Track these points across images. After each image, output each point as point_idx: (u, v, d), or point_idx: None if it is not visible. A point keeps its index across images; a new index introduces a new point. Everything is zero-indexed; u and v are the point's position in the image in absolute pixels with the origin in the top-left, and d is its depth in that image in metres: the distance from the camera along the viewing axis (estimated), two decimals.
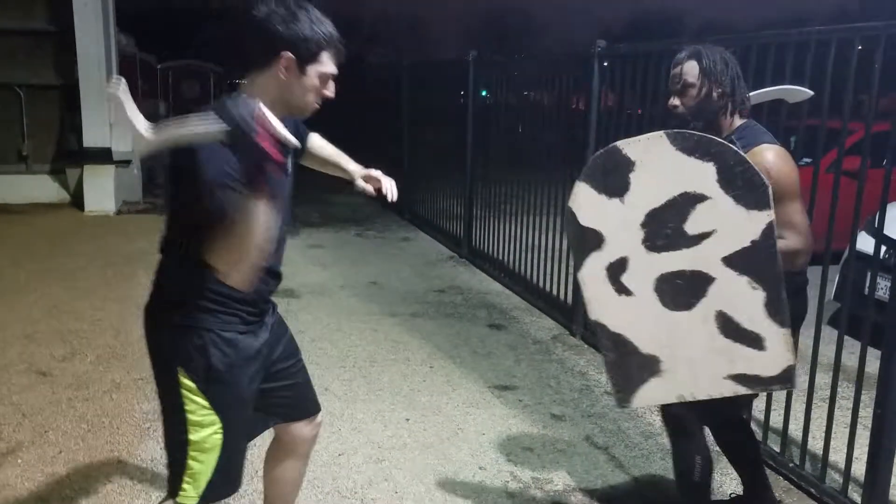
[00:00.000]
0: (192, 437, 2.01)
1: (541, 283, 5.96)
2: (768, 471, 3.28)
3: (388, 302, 6.06)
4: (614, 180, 2.20)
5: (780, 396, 3.41)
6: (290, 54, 1.86)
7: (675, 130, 2.19)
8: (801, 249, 2.39)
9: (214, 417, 2.01)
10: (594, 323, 2.34)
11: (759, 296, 2.14)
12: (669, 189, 2.16)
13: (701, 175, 2.10)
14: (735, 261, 2.12)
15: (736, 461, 2.93)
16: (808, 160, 4.32)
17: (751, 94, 2.77)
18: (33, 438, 3.54)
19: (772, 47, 3.28)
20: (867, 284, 3.25)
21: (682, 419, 2.62)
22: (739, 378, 2.24)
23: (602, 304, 2.31)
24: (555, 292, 5.69)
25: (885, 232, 3.04)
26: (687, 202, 2.14)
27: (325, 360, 4.66)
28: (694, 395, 2.31)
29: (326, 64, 1.92)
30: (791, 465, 3.34)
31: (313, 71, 1.90)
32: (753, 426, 3.55)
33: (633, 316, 2.29)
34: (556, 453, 3.56)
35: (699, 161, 2.10)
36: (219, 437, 2.03)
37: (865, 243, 3.66)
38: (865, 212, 3.23)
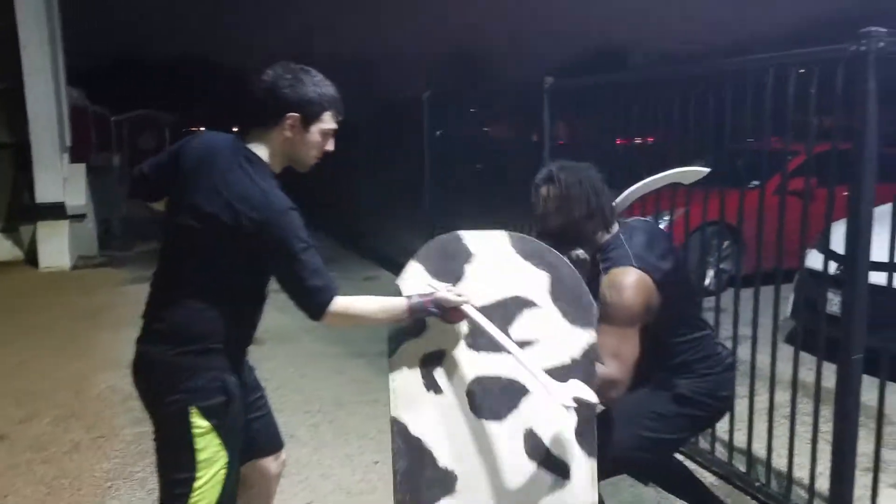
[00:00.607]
0: (200, 474, 2.05)
1: None
2: (736, 491, 3.32)
3: (353, 343, 6.01)
4: (448, 267, 2.15)
5: (742, 415, 3.45)
6: (295, 114, 2.05)
7: (518, 234, 2.18)
8: (617, 379, 2.26)
9: (223, 453, 2.07)
10: (392, 419, 2.18)
11: (571, 419, 2.05)
12: (502, 289, 2.11)
13: (534, 282, 2.09)
14: (553, 376, 2.01)
15: (676, 493, 2.97)
16: (756, 182, 4.43)
17: (646, 180, 2.82)
18: None
19: (712, 77, 3.40)
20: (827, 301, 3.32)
21: (634, 462, 2.62)
22: None
23: (407, 399, 2.18)
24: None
25: (833, 248, 3.12)
26: (516, 306, 2.09)
27: (291, 406, 4.60)
28: None
29: (328, 122, 2.12)
30: (757, 483, 3.36)
31: (316, 129, 2.10)
32: (718, 446, 3.59)
33: (438, 419, 2.15)
34: None
35: (535, 268, 2.09)
36: (223, 472, 2.09)
37: (817, 261, 3.75)
38: (815, 230, 3.32)
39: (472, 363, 2.13)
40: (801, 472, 3.24)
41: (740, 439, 3.52)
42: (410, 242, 8.37)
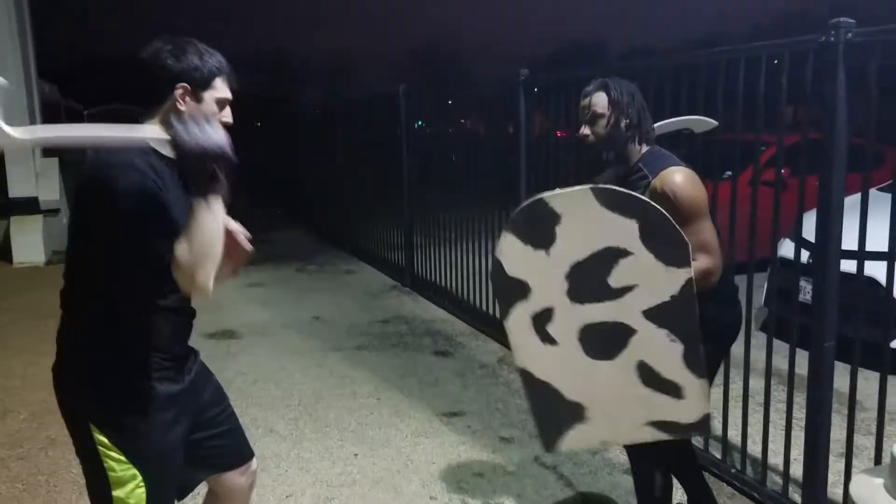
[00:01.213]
0: (116, 493, 1.96)
1: (484, 308, 6.00)
2: (712, 478, 3.36)
3: (332, 337, 6.01)
4: (540, 232, 2.22)
5: (717, 403, 3.49)
6: (185, 84, 1.91)
7: (601, 186, 2.21)
8: (712, 268, 2.43)
9: (134, 471, 1.96)
10: (519, 370, 2.36)
11: (678, 348, 2.19)
12: (594, 243, 2.18)
13: (624, 231, 2.13)
14: (654, 314, 2.16)
15: (677, 473, 2.99)
16: (729, 173, 4.48)
17: (656, 124, 2.88)
18: None
19: (684, 69, 3.43)
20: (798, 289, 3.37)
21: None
22: (659, 425, 2.30)
23: (528, 353, 2.34)
24: (498, 315, 5.73)
25: (805, 237, 3.16)
26: (610, 256, 2.16)
27: (269, 400, 4.60)
28: (616, 441, 2.40)
29: (221, 90, 1.98)
30: (733, 470, 3.41)
31: (210, 97, 1.96)
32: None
33: (558, 364, 2.32)
34: (506, 476, 3.57)
35: (622, 217, 2.13)
36: (142, 490, 1.97)
37: (789, 250, 3.81)
38: (788, 219, 3.37)
39: (577, 314, 2.25)
40: (775, 459, 3.29)
41: (715, 427, 3.56)
42: (389, 236, 8.39)
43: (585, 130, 2.62)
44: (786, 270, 3.87)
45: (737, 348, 3.37)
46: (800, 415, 3.14)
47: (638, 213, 2.13)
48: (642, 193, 2.34)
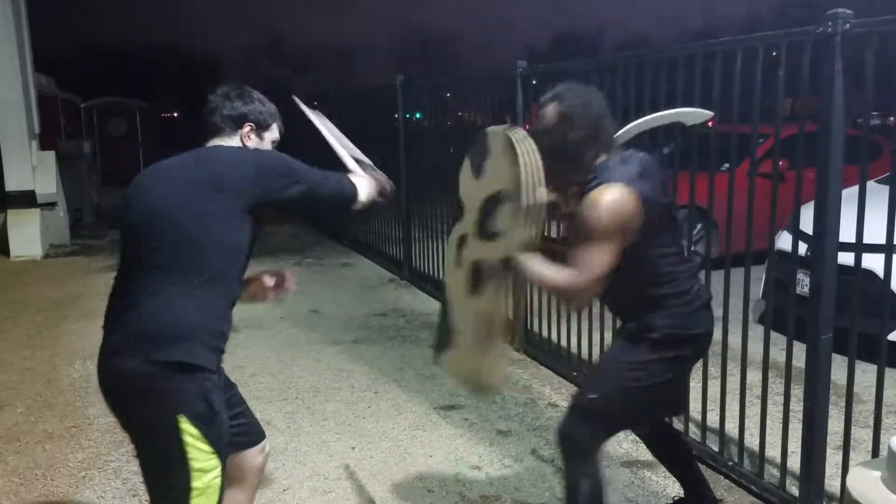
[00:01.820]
0: (196, 483, 2.01)
1: None
2: (710, 470, 3.36)
3: (330, 330, 6.01)
4: (479, 161, 2.49)
5: (715, 396, 3.49)
6: (251, 123, 2.29)
7: (513, 130, 2.33)
8: (575, 288, 2.33)
9: (216, 461, 2.04)
10: (443, 281, 2.71)
11: (501, 302, 2.42)
12: (496, 183, 2.39)
13: (511, 176, 2.29)
14: (505, 264, 2.36)
15: (667, 464, 2.99)
16: (726, 165, 4.47)
17: (647, 117, 2.84)
18: None
19: (680, 60, 3.41)
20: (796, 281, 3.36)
21: (570, 438, 2.58)
22: (472, 373, 2.59)
23: (449, 270, 2.70)
24: None
25: (803, 229, 3.15)
26: (498, 199, 2.38)
27: (267, 393, 4.59)
28: (452, 376, 2.82)
29: (275, 132, 2.38)
30: (730, 463, 3.41)
31: (268, 137, 2.35)
32: (692, 427, 3.64)
33: (456, 288, 2.62)
34: (503, 469, 3.57)
35: (513, 165, 2.29)
36: (218, 480, 2.06)
37: (787, 242, 3.79)
38: (785, 212, 3.36)
39: (473, 247, 2.52)
40: (773, 451, 3.29)
41: (713, 419, 3.56)
42: (386, 229, 8.38)
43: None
44: (783, 263, 3.87)
45: (734, 340, 3.38)
46: (797, 407, 3.14)
47: (519, 164, 2.27)
48: None
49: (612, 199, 2.30)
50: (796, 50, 2.92)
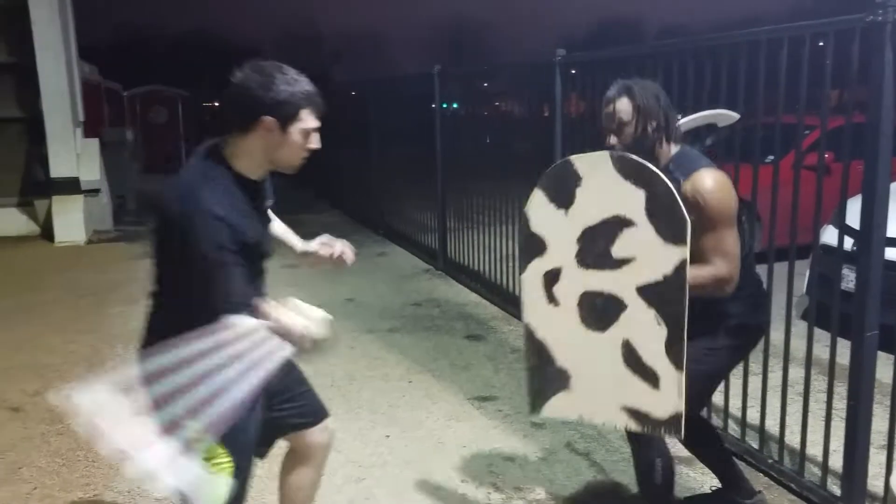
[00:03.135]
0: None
1: (517, 292, 5.96)
2: (749, 468, 3.31)
3: (365, 318, 6.04)
4: (563, 192, 2.31)
5: (755, 393, 3.44)
6: (270, 118, 1.94)
7: (619, 152, 2.25)
8: (726, 276, 2.38)
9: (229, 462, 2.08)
10: (524, 325, 2.45)
11: (662, 333, 2.19)
12: (605, 209, 2.23)
13: (632, 200, 2.17)
14: (647, 292, 2.19)
15: (703, 458, 2.96)
16: (771, 157, 4.38)
17: (682, 119, 2.81)
18: (7, 476, 3.48)
19: (724, 49, 3.34)
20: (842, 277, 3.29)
21: (696, 401, 2.60)
22: (633, 412, 2.31)
23: (534, 310, 2.44)
24: None
25: (849, 224, 3.07)
26: (617, 225, 2.22)
27: None
28: (591, 419, 2.44)
29: (307, 120, 2.00)
30: (770, 461, 3.35)
31: (296, 129, 1.99)
32: (731, 423, 3.59)
33: (556, 327, 2.40)
34: (537, 461, 3.56)
35: (633, 186, 2.17)
36: (229, 467, 2.09)
37: (832, 236, 3.71)
38: (831, 205, 3.28)
39: (581, 279, 2.32)
40: (814, 450, 3.23)
41: (753, 416, 3.51)
42: (422, 218, 8.38)
43: (612, 140, 2.53)
44: (828, 258, 3.78)
45: (777, 336, 3.31)
46: (840, 405, 3.07)
47: (646, 184, 2.16)
48: None
49: (721, 181, 2.39)
50: (844, 39, 2.84)
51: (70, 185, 9.92)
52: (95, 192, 10.35)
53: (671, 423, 2.24)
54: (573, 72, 5.19)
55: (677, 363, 2.19)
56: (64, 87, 9.91)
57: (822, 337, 3.27)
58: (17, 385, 4.62)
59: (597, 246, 2.25)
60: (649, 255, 2.17)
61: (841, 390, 3.05)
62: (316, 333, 1.98)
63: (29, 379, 4.73)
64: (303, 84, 1.99)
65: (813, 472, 3.22)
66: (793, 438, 3.33)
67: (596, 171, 2.24)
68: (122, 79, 19.17)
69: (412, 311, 6.28)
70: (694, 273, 2.22)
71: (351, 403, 4.28)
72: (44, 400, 4.39)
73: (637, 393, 2.27)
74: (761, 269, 3.31)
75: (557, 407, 2.46)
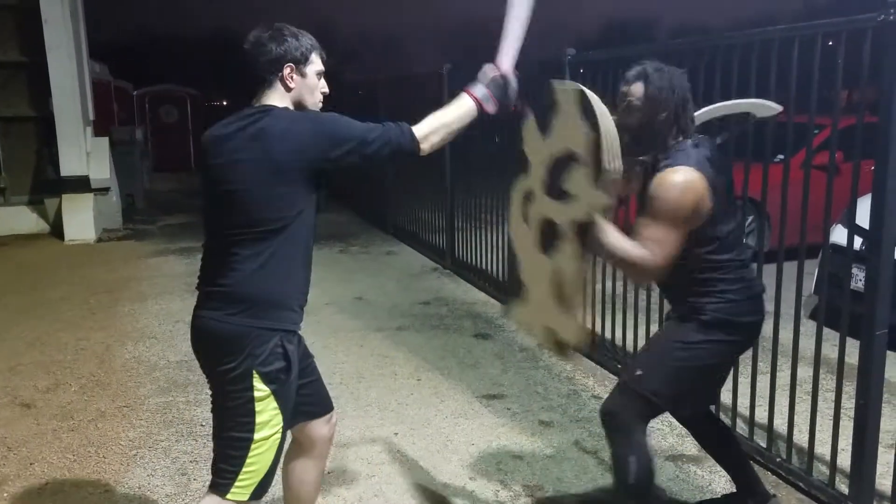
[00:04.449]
0: (258, 435, 2.15)
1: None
2: (757, 466, 3.31)
3: (374, 317, 6.05)
4: (546, 118, 2.48)
5: (763, 392, 3.44)
6: (290, 64, 2.18)
7: (586, 90, 2.31)
8: (648, 267, 2.36)
9: (280, 419, 2.18)
10: (510, 234, 2.73)
11: (576, 266, 2.39)
12: (566, 142, 2.38)
13: (584, 138, 2.29)
14: (578, 228, 2.36)
15: (718, 460, 2.96)
16: (780, 157, 4.37)
17: (718, 104, 2.81)
18: (19, 471, 3.51)
19: (736, 49, 3.34)
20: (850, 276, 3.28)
21: (616, 416, 2.59)
22: (551, 333, 2.57)
23: (515, 225, 2.72)
24: None
25: (859, 223, 3.07)
26: (570, 159, 2.36)
27: None
28: (532, 333, 2.76)
29: (317, 63, 2.25)
30: (778, 459, 3.35)
31: (311, 71, 2.23)
32: (739, 422, 3.59)
33: (524, 243, 2.66)
34: (545, 460, 3.56)
35: (587, 125, 2.27)
36: (278, 437, 2.20)
37: (842, 236, 3.71)
38: (841, 205, 3.28)
39: (542, 204, 2.52)
40: (822, 449, 3.23)
41: (761, 415, 3.50)
42: (431, 218, 8.39)
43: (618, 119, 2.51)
44: (837, 257, 3.78)
45: (786, 335, 3.31)
46: (848, 404, 3.07)
47: (592, 126, 2.25)
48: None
49: (683, 180, 2.35)
50: (856, 38, 2.83)
51: (80, 184, 9.97)
52: (105, 190, 10.40)
53: (573, 347, 2.54)
54: (582, 71, 5.19)
55: (579, 294, 2.42)
56: (74, 87, 9.95)
57: (830, 336, 3.27)
58: (29, 381, 4.66)
59: (555, 176, 2.41)
60: (583, 194, 2.31)
61: (849, 389, 3.05)
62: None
63: (40, 375, 4.76)
64: (307, 35, 2.25)
65: (821, 471, 3.23)
66: (801, 437, 3.33)
67: (567, 104, 2.37)
68: (133, 78, 19.28)
69: (421, 309, 6.30)
70: (625, 245, 2.34)
71: (360, 401, 4.30)
72: (55, 396, 4.43)
73: (555, 316, 2.51)
74: (770, 268, 3.33)
75: (518, 316, 2.81)
